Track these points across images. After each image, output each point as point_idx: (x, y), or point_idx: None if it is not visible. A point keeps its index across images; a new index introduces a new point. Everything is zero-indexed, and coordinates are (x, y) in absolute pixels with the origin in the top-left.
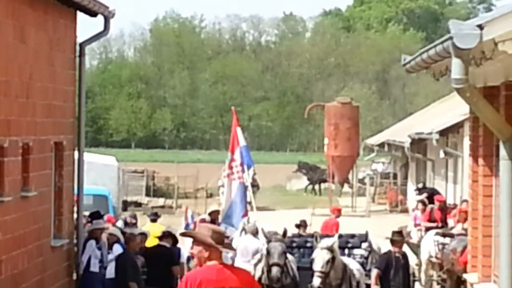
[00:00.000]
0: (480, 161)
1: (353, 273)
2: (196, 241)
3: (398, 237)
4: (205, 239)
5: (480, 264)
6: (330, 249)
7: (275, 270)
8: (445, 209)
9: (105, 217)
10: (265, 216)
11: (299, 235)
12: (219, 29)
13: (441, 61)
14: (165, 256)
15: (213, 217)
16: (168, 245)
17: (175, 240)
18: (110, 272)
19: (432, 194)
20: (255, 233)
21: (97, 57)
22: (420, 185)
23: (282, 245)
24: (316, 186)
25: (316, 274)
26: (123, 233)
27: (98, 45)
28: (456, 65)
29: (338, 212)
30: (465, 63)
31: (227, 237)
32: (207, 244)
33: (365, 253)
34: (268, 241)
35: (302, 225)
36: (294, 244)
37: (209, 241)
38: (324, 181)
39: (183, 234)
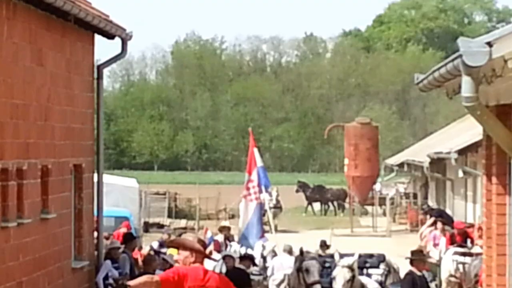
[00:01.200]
0: (494, 179)
1: None
2: (184, 247)
3: (418, 256)
4: (193, 245)
5: (495, 283)
6: (351, 267)
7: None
8: (465, 233)
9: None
10: (286, 238)
11: (319, 255)
12: (240, 51)
13: (453, 79)
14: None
15: (224, 232)
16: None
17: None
18: None
19: (440, 215)
20: (289, 251)
21: (119, 80)
22: (425, 207)
23: (318, 263)
24: (317, 206)
25: None
26: (158, 252)
27: (120, 68)
28: (466, 83)
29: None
30: (475, 81)
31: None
32: (195, 250)
33: (383, 273)
34: (301, 260)
35: (322, 245)
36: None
37: (197, 247)
38: (330, 200)
39: (170, 242)
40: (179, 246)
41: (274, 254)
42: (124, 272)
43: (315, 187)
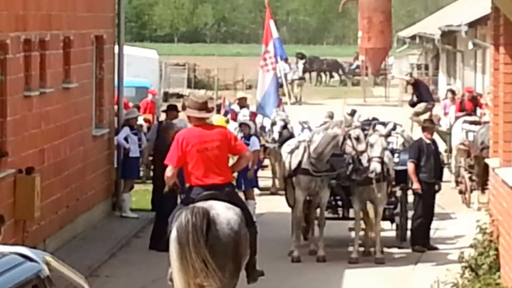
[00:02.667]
0: (501, 49)
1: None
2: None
3: (430, 124)
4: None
5: (501, 150)
6: (386, 136)
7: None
8: (475, 98)
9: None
10: (300, 108)
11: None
12: None
13: None
14: None
15: (241, 103)
16: None
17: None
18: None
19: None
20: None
21: None
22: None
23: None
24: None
25: (375, 159)
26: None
27: None
28: None
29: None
30: None
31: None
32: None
33: (395, 141)
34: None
35: (352, 114)
36: None
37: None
38: (323, 71)
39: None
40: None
41: (284, 124)
42: (147, 138)
43: (310, 58)
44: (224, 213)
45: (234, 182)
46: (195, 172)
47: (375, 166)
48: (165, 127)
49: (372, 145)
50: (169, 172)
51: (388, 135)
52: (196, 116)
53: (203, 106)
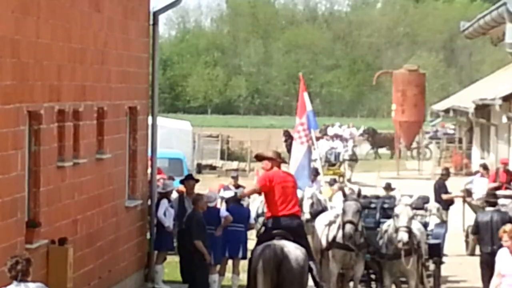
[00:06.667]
0: None
1: (414, 233)
2: (263, 158)
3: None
4: (267, 154)
5: None
6: (411, 206)
7: (348, 227)
8: (510, 172)
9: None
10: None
11: (364, 197)
12: (293, 0)
13: (497, 27)
14: None
15: None
16: None
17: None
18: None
19: None
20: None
21: (176, 27)
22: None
23: (357, 204)
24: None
25: (402, 229)
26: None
27: (176, 16)
28: (510, 30)
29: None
30: None
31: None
32: (271, 158)
33: (428, 214)
34: (345, 201)
35: (387, 187)
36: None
37: (273, 156)
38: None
39: (256, 156)
40: (262, 157)
41: (312, 202)
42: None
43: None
44: (293, 251)
45: None
46: (280, 203)
47: (402, 235)
48: (196, 199)
49: (398, 216)
50: (248, 188)
51: (411, 205)
52: (277, 159)
53: (278, 155)
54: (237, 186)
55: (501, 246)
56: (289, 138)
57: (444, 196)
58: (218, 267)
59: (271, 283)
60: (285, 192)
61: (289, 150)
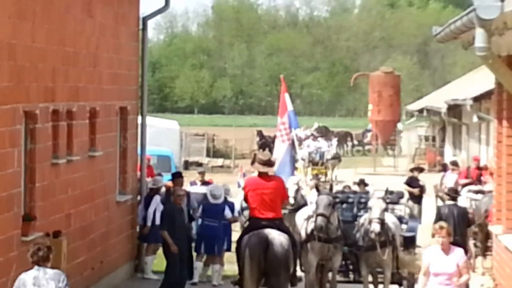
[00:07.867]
0: (504, 123)
1: (388, 226)
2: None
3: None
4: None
5: (504, 217)
6: (384, 199)
7: (319, 220)
8: (480, 168)
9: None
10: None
11: (342, 192)
12: (275, 6)
13: (468, 31)
14: None
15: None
16: None
17: None
18: None
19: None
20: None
21: (164, 32)
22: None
23: (328, 198)
24: None
25: (375, 220)
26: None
27: (164, 21)
28: (479, 34)
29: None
30: (487, 33)
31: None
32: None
33: (402, 209)
34: (318, 195)
35: (360, 183)
36: (337, 200)
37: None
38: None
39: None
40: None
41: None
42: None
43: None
44: (278, 237)
45: None
46: (255, 208)
47: (374, 226)
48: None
49: (371, 208)
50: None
51: (384, 198)
52: (260, 170)
53: (267, 162)
54: (204, 182)
55: (461, 236)
56: (262, 138)
57: (404, 187)
58: (205, 257)
59: (258, 269)
60: (262, 199)
61: (261, 149)
